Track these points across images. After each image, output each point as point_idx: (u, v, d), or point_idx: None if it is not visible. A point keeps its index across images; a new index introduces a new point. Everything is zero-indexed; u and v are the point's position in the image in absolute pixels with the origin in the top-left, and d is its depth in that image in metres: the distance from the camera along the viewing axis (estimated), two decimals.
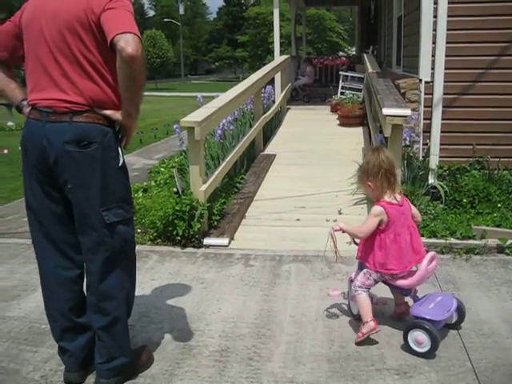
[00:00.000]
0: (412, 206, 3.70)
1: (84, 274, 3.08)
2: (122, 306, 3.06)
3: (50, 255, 3.02)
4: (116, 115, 2.83)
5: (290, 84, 13.69)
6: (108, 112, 2.82)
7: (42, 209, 2.93)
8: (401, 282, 3.60)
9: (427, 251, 3.68)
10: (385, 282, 3.71)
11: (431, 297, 3.68)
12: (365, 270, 3.64)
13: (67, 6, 2.71)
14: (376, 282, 3.66)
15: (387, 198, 3.53)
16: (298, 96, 15.08)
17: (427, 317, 3.44)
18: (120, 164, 2.92)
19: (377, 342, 3.56)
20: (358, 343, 3.55)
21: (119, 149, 2.93)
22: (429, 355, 3.39)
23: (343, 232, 3.57)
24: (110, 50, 2.63)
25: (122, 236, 2.96)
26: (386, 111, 5.00)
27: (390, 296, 3.89)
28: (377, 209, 3.51)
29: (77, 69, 2.74)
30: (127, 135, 2.98)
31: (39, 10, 2.79)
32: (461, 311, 3.70)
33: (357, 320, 3.78)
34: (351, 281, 3.80)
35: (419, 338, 3.40)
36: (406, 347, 3.48)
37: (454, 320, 3.70)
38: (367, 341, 3.55)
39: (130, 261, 3.13)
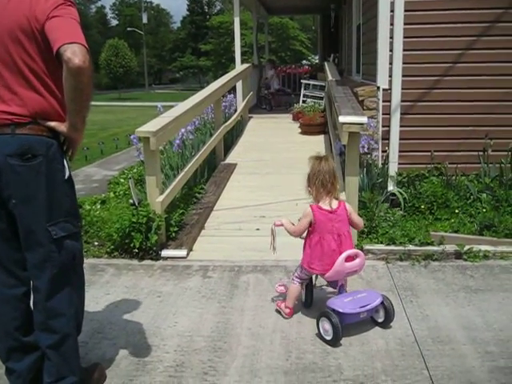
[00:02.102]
0: (353, 216, 3.92)
1: (30, 292, 2.97)
2: (71, 323, 2.94)
3: None
4: (61, 127, 2.73)
5: (251, 92, 13.66)
6: (52, 124, 2.72)
7: None
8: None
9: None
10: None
11: (355, 292, 3.93)
12: (300, 264, 3.97)
13: (9, 13, 2.60)
14: (308, 276, 4.00)
15: (321, 203, 3.79)
16: (263, 104, 15.06)
17: (336, 308, 3.67)
18: (66, 177, 2.82)
19: (334, 353, 3.54)
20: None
21: (65, 161, 2.83)
22: (333, 343, 3.61)
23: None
24: (56, 59, 2.54)
25: (70, 251, 2.86)
26: (342, 119, 4.98)
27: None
28: (305, 210, 3.84)
29: (19, 79, 2.64)
30: (72, 147, 2.88)
31: None
32: (388, 311, 3.82)
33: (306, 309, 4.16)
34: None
35: (325, 327, 3.66)
36: (319, 334, 3.72)
37: (380, 319, 3.87)
38: (323, 352, 3.55)
39: (79, 276, 3.04)
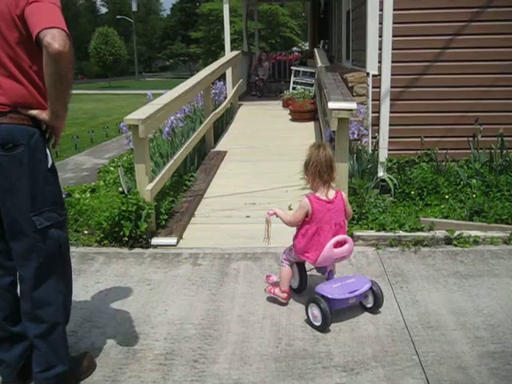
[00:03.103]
0: (347, 206, 3.90)
1: (17, 281, 2.94)
2: (59, 312, 2.92)
3: None
4: (42, 115, 2.68)
5: (241, 80, 13.60)
6: (34, 112, 2.67)
7: None
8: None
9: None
10: None
11: (344, 278, 3.93)
12: (290, 247, 3.97)
13: None
14: (296, 259, 3.98)
15: (319, 193, 3.75)
16: (253, 90, 14.98)
17: (325, 294, 3.67)
18: (49, 165, 2.78)
19: (324, 339, 3.54)
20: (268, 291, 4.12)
21: (47, 150, 2.78)
22: (322, 329, 3.62)
23: (276, 216, 3.89)
24: (36, 46, 2.48)
25: (56, 240, 2.82)
26: (331, 105, 4.96)
27: None
28: (302, 201, 3.76)
29: None
30: (55, 135, 2.83)
31: None
32: (376, 296, 3.83)
33: (296, 293, 4.17)
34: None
35: (314, 313, 3.68)
36: (308, 320, 3.73)
37: (369, 304, 3.89)
38: (313, 338, 3.56)
39: (65, 264, 3.00)
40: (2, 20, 2.52)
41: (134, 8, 61.95)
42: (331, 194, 3.77)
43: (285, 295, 4.00)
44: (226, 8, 12.16)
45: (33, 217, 2.70)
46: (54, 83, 2.52)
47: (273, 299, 4.07)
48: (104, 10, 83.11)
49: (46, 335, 2.87)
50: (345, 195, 3.93)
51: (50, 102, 2.62)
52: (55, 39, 2.39)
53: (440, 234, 5.14)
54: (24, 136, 2.65)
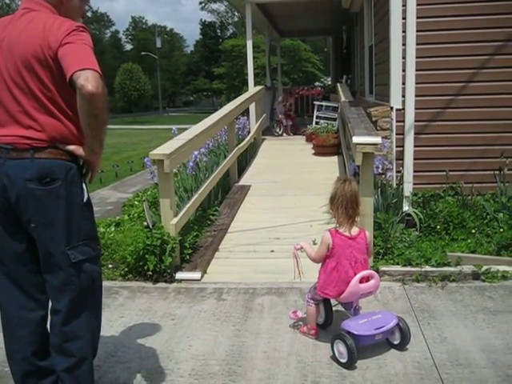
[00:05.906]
0: (369, 245, 3.90)
1: (47, 316, 2.95)
2: (88, 346, 2.92)
3: (13, 296, 2.89)
4: (79, 151, 2.75)
5: (264, 115, 13.70)
6: (71, 147, 2.73)
7: (5, 248, 2.81)
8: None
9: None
10: None
11: (370, 314, 3.89)
12: (314, 285, 3.93)
13: (23, 40, 2.62)
14: (321, 297, 3.93)
15: (342, 228, 3.74)
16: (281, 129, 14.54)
17: (351, 330, 3.62)
18: (85, 200, 2.83)
19: (351, 376, 3.47)
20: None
21: (83, 184, 2.84)
22: (348, 366, 3.55)
23: (302, 251, 3.95)
24: (70, 85, 2.55)
25: (89, 274, 2.85)
26: (356, 139, 4.97)
27: None
28: (324, 236, 3.77)
29: (36, 105, 2.65)
30: (92, 170, 2.90)
31: None
32: (403, 332, 3.77)
33: (322, 329, 4.11)
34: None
35: (340, 349, 3.62)
36: (333, 357, 3.67)
37: (396, 341, 3.81)
38: (339, 376, 3.49)
39: (97, 299, 3.02)
40: (37, 61, 2.59)
41: (159, 45, 63.18)
42: (354, 230, 3.76)
43: (313, 332, 4.01)
44: (249, 44, 12.34)
45: (68, 250, 2.73)
46: (89, 122, 2.57)
47: (298, 335, 4.03)
48: (129, 47, 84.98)
49: (73, 369, 2.86)
50: (368, 234, 3.90)
51: (86, 139, 2.69)
52: (88, 81, 2.45)
53: (467, 269, 5.06)
54: (62, 171, 2.70)
